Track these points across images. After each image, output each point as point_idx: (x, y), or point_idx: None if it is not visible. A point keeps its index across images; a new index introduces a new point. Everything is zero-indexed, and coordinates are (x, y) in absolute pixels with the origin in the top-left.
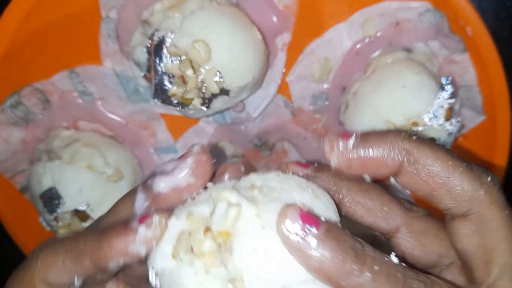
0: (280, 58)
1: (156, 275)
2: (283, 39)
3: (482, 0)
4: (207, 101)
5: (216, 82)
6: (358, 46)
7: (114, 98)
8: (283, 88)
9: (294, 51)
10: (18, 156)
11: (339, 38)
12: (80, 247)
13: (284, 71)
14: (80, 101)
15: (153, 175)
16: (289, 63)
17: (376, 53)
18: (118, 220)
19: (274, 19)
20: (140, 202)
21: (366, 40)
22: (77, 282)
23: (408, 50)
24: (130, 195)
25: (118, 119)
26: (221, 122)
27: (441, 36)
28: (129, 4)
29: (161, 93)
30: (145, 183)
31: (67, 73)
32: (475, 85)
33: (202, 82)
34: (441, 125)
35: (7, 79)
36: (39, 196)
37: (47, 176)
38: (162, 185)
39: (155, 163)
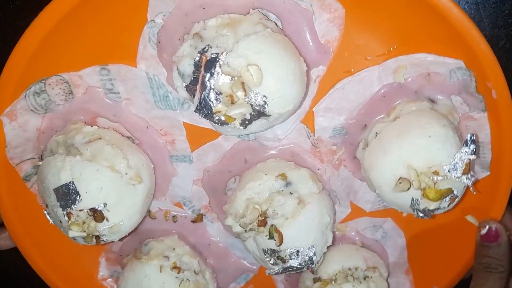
0: (312, 89)
1: None
2: (318, 71)
3: (479, 7)
4: (246, 122)
5: (260, 105)
6: (386, 89)
7: (141, 101)
8: (307, 119)
9: (326, 84)
10: (29, 144)
11: (370, 79)
12: None
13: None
14: (105, 98)
15: None
16: (319, 95)
17: (401, 100)
18: None
19: (314, 51)
20: None
21: (395, 85)
22: None
23: (432, 101)
24: None
25: (140, 121)
26: (244, 138)
27: (465, 94)
28: (177, 12)
29: (204, 108)
30: None
31: (98, 68)
32: (488, 143)
33: (251, 104)
34: (458, 177)
35: (39, 66)
36: (54, 189)
37: (66, 170)
38: None
39: (168, 169)
